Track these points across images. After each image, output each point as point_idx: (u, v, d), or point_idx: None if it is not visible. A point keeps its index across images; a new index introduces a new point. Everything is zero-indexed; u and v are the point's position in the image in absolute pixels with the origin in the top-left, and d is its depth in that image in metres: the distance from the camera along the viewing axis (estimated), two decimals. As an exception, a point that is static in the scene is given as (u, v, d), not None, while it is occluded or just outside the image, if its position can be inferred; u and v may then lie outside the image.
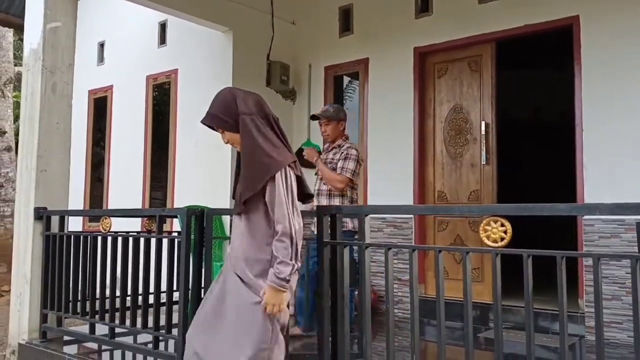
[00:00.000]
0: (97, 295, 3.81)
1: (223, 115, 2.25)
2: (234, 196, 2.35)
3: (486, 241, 2.07)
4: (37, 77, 4.36)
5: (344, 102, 6.23)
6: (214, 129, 2.35)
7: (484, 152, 5.11)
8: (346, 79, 6.23)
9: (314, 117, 4.40)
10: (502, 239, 2.04)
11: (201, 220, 3.24)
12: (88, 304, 3.89)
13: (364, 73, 5.90)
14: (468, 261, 2.16)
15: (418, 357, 2.39)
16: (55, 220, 4.17)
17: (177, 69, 6.61)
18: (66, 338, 4.09)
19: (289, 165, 2.22)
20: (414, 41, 5.51)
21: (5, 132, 12.19)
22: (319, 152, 4.40)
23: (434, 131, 5.48)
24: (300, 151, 6.28)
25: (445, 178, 5.38)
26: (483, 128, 5.14)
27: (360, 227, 2.55)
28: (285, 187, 2.17)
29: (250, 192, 2.17)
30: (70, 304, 3.99)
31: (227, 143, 2.34)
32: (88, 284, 3.90)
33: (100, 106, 7.78)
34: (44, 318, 4.10)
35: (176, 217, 4.24)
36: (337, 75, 6.19)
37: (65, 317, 4.05)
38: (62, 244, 4.05)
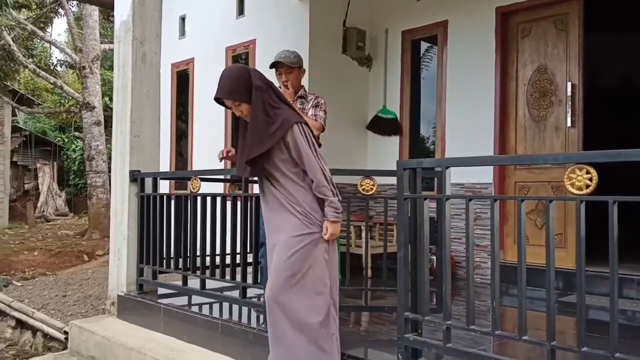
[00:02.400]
0: (188, 252, 4.07)
1: (241, 89, 2.50)
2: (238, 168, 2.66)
3: (570, 189, 2.04)
4: (128, 48, 4.63)
5: (421, 67, 6.17)
6: (221, 104, 2.60)
7: (569, 115, 4.93)
8: (424, 44, 6.15)
9: (273, 65, 3.94)
10: (587, 186, 2.00)
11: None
12: (180, 260, 4.16)
13: (442, 36, 5.80)
14: (551, 209, 2.14)
15: (498, 317, 2.39)
16: (148, 182, 4.46)
17: (254, 39, 6.76)
18: (160, 291, 4.40)
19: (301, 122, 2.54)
20: (496, 0, 5.35)
21: (94, 107, 12.95)
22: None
23: (516, 94, 5.33)
24: (377, 119, 6.34)
25: (527, 142, 5.24)
26: (569, 89, 4.94)
27: (442, 179, 2.58)
28: (305, 138, 2.50)
29: (271, 142, 2.46)
30: (164, 259, 4.27)
31: (240, 115, 2.58)
32: (180, 240, 4.16)
33: (182, 79, 8.10)
34: (140, 272, 4.43)
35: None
36: (414, 40, 6.13)
37: (160, 272, 4.35)
38: (155, 203, 4.33)
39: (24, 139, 20.80)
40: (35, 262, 10.30)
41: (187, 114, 8.04)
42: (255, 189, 4.26)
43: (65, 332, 4.99)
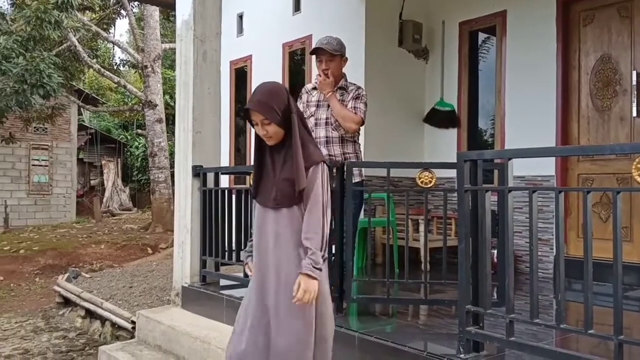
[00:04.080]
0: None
1: (277, 109, 2.25)
2: (255, 195, 2.40)
3: (639, 180, 1.98)
4: (189, 46, 4.78)
5: (479, 58, 6.06)
6: (246, 118, 2.48)
7: (634, 104, 4.73)
8: (482, 35, 6.03)
9: (314, 52, 3.82)
10: (659, 177, 1.94)
11: (342, 172, 3.42)
12: (241, 252, 4.28)
13: (501, 27, 5.68)
14: (619, 200, 2.09)
15: (563, 310, 2.35)
16: (210, 177, 4.60)
17: (311, 35, 6.82)
18: (222, 282, 4.53)
19: (326, 161, 2.35)
20: (556, -11, 5.20)
21: (156, 105, 13.39)
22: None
23: (578, 84, 5.15)
24: (434, 111, 6.28)
25: (591, 133, 5.07)
26: (634, 78, 4.74)
27: (503, 171, 2.55)
28: (322, 180, 2.27)
29: (304, 183, 2.22)
30: (226, 252, 4.40)
31: (264, 135, 2.31)
32: (241, 233, 4.27)
33: (240, 76, 8.27)
34: (203, 264, 4.58)
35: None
36: (472, 31, 6.02)
37: (221, 263, 4.48)
38: (217, 198, 4.46)
39: (90, 136, 21.78)
40: (102, 255, 10.80)
41: (247, 110, 8.19)
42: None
43: (133, 322, 5.22)
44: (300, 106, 4.02)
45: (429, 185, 3.21)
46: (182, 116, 4.86)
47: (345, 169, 3.42)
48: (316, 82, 3.99)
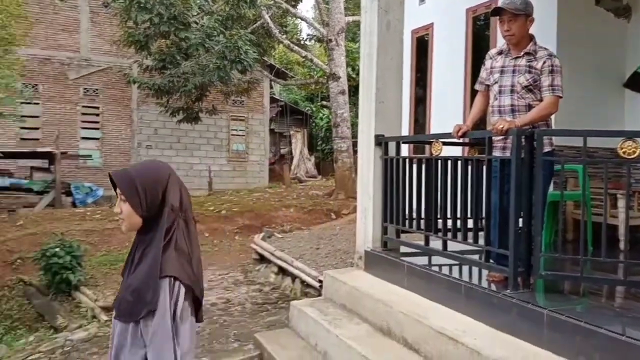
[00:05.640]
0: (430, 213, 4.20)
1: (142, 191, 1.89)
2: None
3: None
4: (374, 17, 4.84)
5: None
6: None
7: None
8: None
9: (494, 12, 3.56)
10: None
11: (531, 141, 3.24)
12: (422, 221, 4.32)
13: None
14: None
15: None
16: (391, 145, 4.68)
17: (498, -3, 6.46)
18: (402, 249, 4.63)
19: (184, 282, 1.87)
20: None
21: (339, 77, 13.82)
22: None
23: None
24: (637, 75, 5.57)
25: None
26: None
27: None
28: (167, 304, 1.82)
29: (149, 300, 1.82)
30: (407, 219, 4.48)
31: (117, 215, 1.96)
32: (421, 201, 4.31)
33: (421, 45, 8.17)
34: (384, 230, 4.72)
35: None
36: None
37: (402, 231, 4.58)
38: (398, 166, 4.53)
39: (280, 108, 23.42)
40: (291, 218, 11.66)
41: (425, 80, 8.11)
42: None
43: (320, 281, 5.60)
44: (483, 73, 3.87)
45: (632, 157, 2.90)
46: (365, 87, 4.99)
47: (535, 137, 3.24)
48: (502, 48, 3.79)
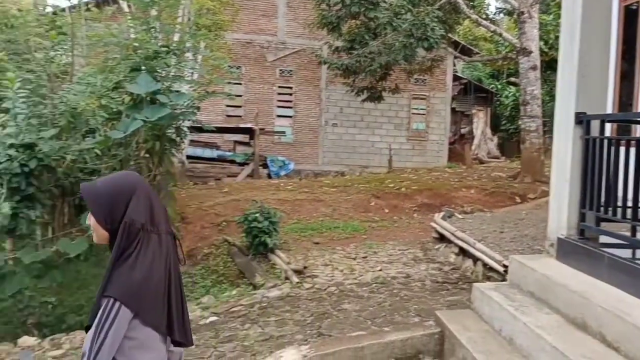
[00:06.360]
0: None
1: (103, 204, 1.88)
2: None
3: None
4: (579, -14, 4.47)
5: None
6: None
7: None
8: None
9: None
10: None
11: None
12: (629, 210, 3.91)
13: None
14: None
15: None
16: (594, 124, 4.30)
17: None
18: (602, 239, 4.26)
19: (128, 305, 1.80)
20: None
21: (531, 52, 12.95)
22: None
23: None
24: None
25: None
26: None
27: None
28: (103, 323, 1.78)
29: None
30: (610, 207, 4.07)
31: (89, 224, 1.94)
32: (628, 189, 3.91)
33: (630, 15, 7.28)
34: (581, 217, 4.37)
35: None
36: None
37: (602, 219, 4.19)
38: (602, 147, 4.15)
39: (462, 86, 22.73)
40: (472, 199, 11.37)
41: (634, 52, 7.24)
42: None
43: (504, 266, 5.42)
44: None
45: None
46: (565, 60, 4.65)
47: None
48: None
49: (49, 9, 11.09)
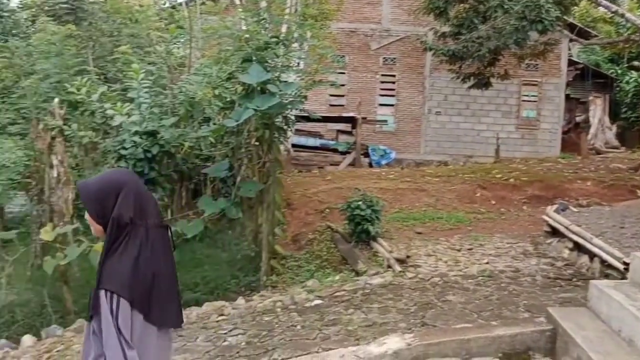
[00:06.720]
0: None
1: (94, 200, 2.02)
2: None
3: None
4: None
5: None
6: None
7: None
8: None
9: None
10: None
11: None
12: None
13: None
14: None
15: None
16: None
17: None
18: None
19: (122, 294, 1.93)
20: None
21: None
22: None
23: None
24: None
25: None
26: None
27: None
28: (109, 315, 1.92)
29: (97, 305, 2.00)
30: None
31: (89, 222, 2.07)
32: None
33: None
34: None
35: None
36: None
37: None
38: None
39: (578, 72, 21.28)
40: (588, 192, 10.70)
41: None
42: None
43: (625, 263, 5.07)
44: None
45: None
46: None
47: None
48: None
49: (167, 4, 11.82)
